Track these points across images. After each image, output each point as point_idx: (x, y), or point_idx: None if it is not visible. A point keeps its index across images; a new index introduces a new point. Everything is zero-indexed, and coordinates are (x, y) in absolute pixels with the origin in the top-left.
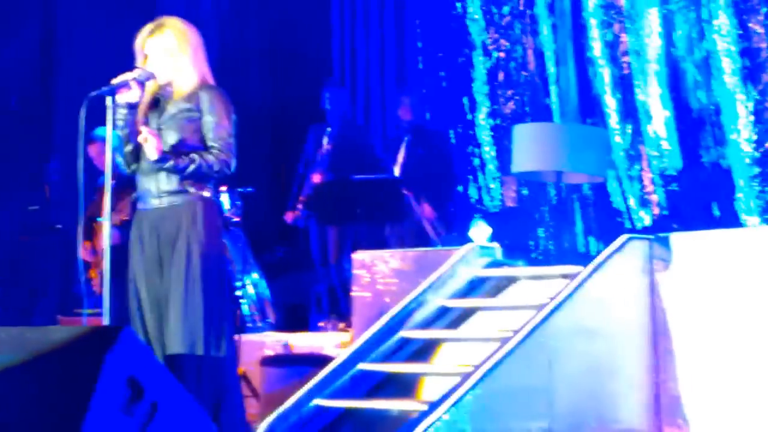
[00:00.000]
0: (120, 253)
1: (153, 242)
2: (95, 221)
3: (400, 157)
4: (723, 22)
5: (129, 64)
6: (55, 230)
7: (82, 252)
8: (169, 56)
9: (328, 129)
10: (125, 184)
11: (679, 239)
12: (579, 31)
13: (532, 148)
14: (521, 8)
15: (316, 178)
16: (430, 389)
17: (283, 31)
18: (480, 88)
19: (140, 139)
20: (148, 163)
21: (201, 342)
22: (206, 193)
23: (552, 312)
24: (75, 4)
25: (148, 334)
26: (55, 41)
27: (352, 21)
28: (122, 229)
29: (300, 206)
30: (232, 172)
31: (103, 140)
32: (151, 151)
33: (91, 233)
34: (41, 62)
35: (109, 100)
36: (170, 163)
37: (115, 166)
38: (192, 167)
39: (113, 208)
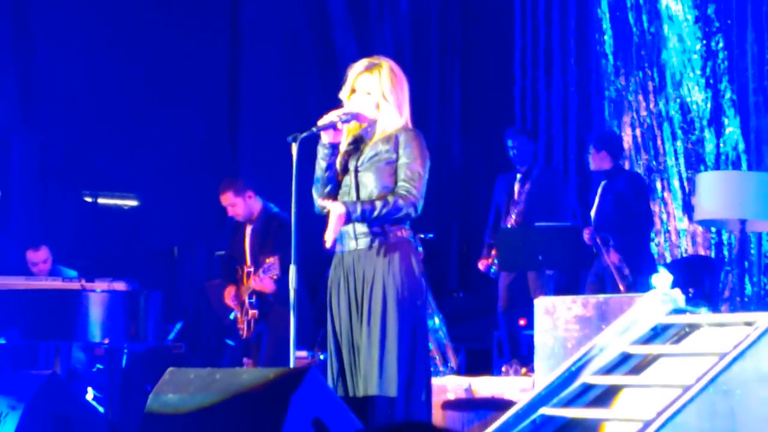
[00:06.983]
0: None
1: (350, 284)
2: (239, 266)
3: (597, 200)
4: None
5: (310, 111)
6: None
7: (226, 296)
8: (379, 96)
9: (518, 176)
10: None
11: None
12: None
13: (716, 196)
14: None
15: (511, 223)
16: None
17: (468, 80)
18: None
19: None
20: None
21: (392, 386)
22: (403, 234)
23: (735, 359)
24: (257, 50)
25: (344, 375)
26: (239, 88)
27: (533, 69)
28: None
29: (493, 254)
30: (417, 214)
31: None
32: (336, 218)
33: (235, 277)
34: (229, 108)
35: (294, 148)
36: (356, 215)
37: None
38: (376, 212)
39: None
